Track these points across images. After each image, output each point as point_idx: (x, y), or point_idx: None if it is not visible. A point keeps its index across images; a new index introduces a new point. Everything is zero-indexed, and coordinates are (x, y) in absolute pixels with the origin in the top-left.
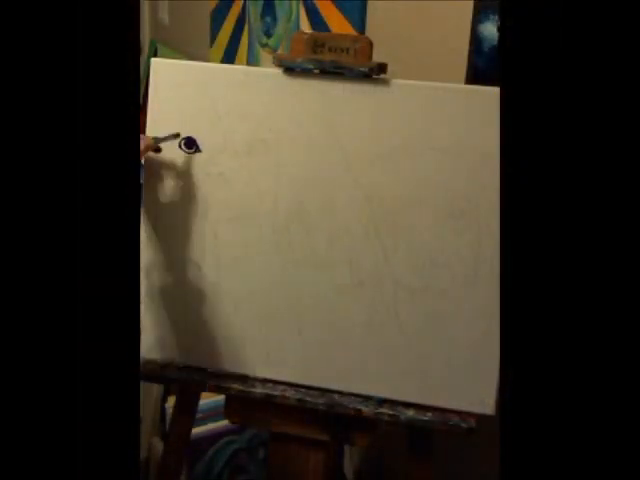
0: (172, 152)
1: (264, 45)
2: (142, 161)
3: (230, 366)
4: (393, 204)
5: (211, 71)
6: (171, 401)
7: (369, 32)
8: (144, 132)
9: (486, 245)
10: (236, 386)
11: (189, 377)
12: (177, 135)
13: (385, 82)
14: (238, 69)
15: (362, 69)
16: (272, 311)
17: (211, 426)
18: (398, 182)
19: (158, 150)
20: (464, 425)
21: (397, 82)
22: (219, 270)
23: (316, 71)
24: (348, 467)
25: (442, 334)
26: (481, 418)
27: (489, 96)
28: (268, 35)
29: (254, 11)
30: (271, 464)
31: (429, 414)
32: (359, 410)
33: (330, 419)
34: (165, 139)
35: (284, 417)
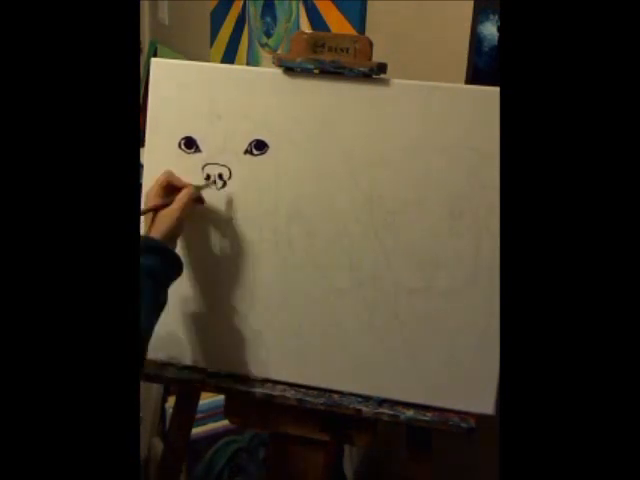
0: (172, 153)
1: (264, 45)
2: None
3: (230, 366)
4: (393, 204)
5: (211, 71)
6: (171, 401)
7: (369, 32)
8: (144, 132)
9: (486, 245)
10: (236, 386)
11: (189, 377)
12: (214, 182)
13: (385, 82)
14: (238, 69)
15: (362, 69)
16: (272, 311)
17: (211, 426)
18: (398, 182)
19: (201, 201)
20: (464, 425)
21: (397, 82)
22: (219, 271)
23: (316, 71)
24: (348, 467)
25: (442, 334)
26: (481, 418)
27: (489, 96)
28: (268, 35)
29: (254, 11)
30: (271, 464)
31: (429, 414)
32: (359, 410)
33: (330, 419)
34: (205, 186)
35: (284, 417)
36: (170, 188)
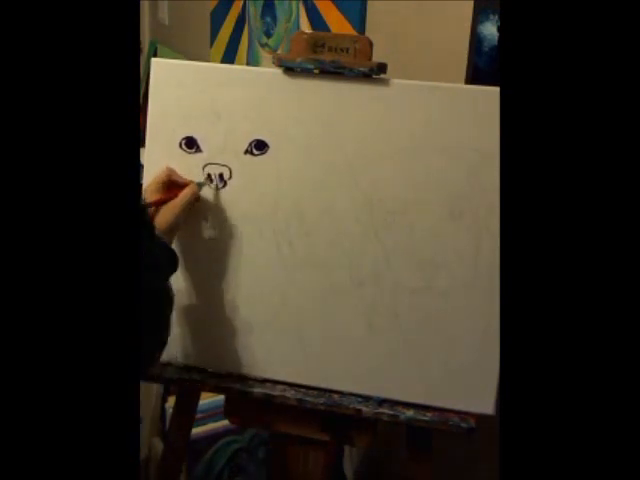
0: (173, 153)
1: (264, 45)
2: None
3: (230, 366)
4: (393, 204)
5: (211, 71)
6: (171, 401)
7: (369, 32)
8: (144, 132)
9: (486, 245)
10: (236, 386)
11: (189, 377)
12: (211, 180)
13: (385, 82)
14: (238, 69)
15: (362, 69)
16: (272, 311)
17: (211, 426)
18: (398, 182)
19: (197, 199)
20: (464, 425)
21: (397, 82)
22: (219, 271)
23: (316, 71)
24: (348, 467)
25: (442, 334)
26: (481, 418)
27: (489, 96)
28: (268, 35)
29: (254, 11)
30: (271, 464)
31: (429, 414)
32: (359, 410)
33: (330, 419)
34: (204, 184)
35: (284, 417)
36: (169, 184)
